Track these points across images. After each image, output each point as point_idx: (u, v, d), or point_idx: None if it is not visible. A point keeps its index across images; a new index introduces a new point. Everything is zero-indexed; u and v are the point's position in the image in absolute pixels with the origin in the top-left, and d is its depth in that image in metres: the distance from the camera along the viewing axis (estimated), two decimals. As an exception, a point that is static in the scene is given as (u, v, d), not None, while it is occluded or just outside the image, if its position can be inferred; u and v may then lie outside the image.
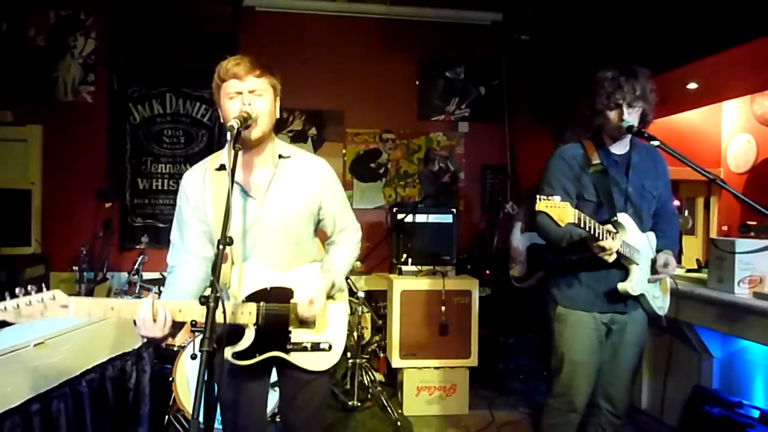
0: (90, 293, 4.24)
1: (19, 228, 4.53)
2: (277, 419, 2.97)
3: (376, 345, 4.31)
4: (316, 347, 1.81)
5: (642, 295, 2.23)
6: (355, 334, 3.87)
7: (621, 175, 2.26)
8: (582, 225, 1.92)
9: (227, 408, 1.89)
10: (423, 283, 3.81)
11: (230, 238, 1.45)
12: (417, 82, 5.30)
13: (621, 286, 2.18)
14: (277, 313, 1.75)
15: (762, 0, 2.83)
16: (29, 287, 1.49)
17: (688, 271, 3.42)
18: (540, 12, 4.93)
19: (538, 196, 1.86)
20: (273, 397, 2.35)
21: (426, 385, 3.78)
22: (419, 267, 3.91)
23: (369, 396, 3.80)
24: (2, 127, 4.70)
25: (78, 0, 4.86)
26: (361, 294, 3.89)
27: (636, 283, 2.18)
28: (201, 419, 1.31)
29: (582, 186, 2.24)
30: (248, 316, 1.71)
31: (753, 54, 3.16)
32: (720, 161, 5.53)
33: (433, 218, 4.04)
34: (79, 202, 4.76)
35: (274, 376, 1.98)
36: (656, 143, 2.02)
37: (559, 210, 1.84)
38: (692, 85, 4.05)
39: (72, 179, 4.79)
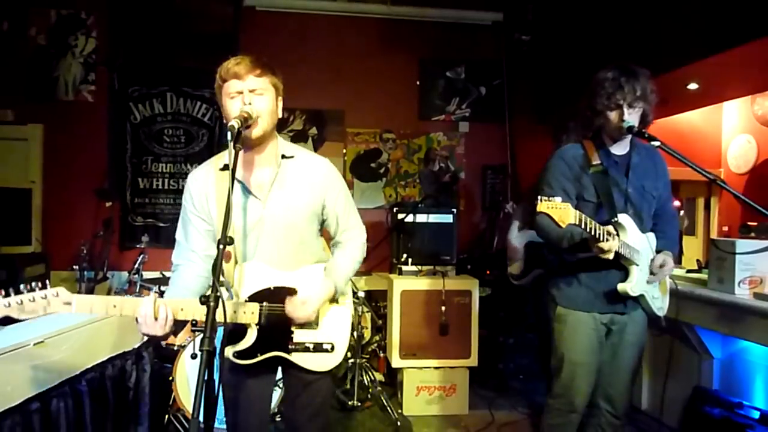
0: (90, 292, 4.25)
1: (19, 227, 4.53)
2: (277, 419, 2.98)
3: (376, 345, 4.31)
4: (318, 348, 1.81)
5: (641, 295, 2.23)
6: (355, 334, 3.87)
7: (621, 176, 2.26)
8: (582, 226, 1.92)
9: (230, 407, 1.89)
10: (423, 283, 3.81)
11: (230, 237, 1.45)
12: (417, 82, 5.30)
13: (621, 286, 2.18)
14: (279, 313, 1.75)
15: (762, 0, 2.83)
16: (33, 284, 1.51)
17: (689, 271, 3.41)
18: (541, 12, 4.93)
19: (539, 197, 1.86)
20: (273, 397, 2.35)
21: (426, 385, 3.78)
22: (419, 267, 3.91)
23: (369, 396, 3.80)
24: (3, 126, 4.71)
25: (79, -1, 4.88)
26: (361, 294, 3.89)
27: (635, 283, 2.18)
28: (201, 419, 1.31)
29: (582, 186, 2.24)
30: (250, 315, 1.71)
31: (753, 54, 3.16)
32: (720, 162, 5.53)
33: (434, 218, 4.04)
34: (80, 201, 4.76)
35: (278, 374, 1.98)
36: (657, 144, 2.02)
37: (560, 211, 1.83)
38: (693, 86, 4.05)
39: (72, 178, 4.80)
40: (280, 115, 1.82)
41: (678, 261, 3.23)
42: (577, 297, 2.28)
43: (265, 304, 1.73)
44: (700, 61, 3.37)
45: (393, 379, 4.11)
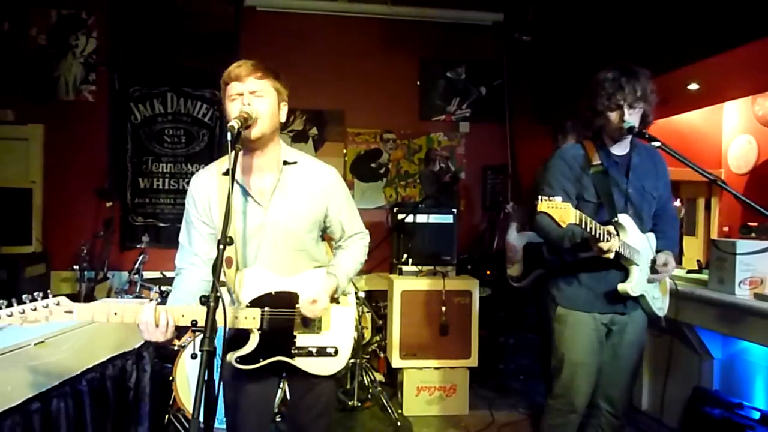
0: (90, 292, 4.25)
1: (20, 227, 4.54)
2: (278, 419, 2.98)
3: (376, 345, 4.31)
4: (321, 352, 1.81)
5: (642, 295, 2.23)
6: (355, 334, 3.86)
7: (621, 176, 2.26)
8: (583, 226, 1.92)
9: (231, 408, 1.89)
10: (423, 284, 3.81)
11: (230, 238, 1.46)
12: (418, 82, 5.30)
13: (621, 287, 2.18)
14: (281, 317, 1.75)
15: (762, 0, 2.83)
16: (35, 294, 1.54)
17: (689, 272, 3.41)
18: (541, 12, 4.93)
19: (539, 197, 1.85)
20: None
21: (426, 385, 3.78)
22: (420, 267, 3.91)
23: (369, 396, 3.80)
24: (3, 126, 4.71)
25: (79, -1, 4.88)
26: (361, 294, 3.90)
27: (636, 283, 2.18)
28: (201, 419, 1.32)
29: (582, 187, 2.24)
30: (252, 320, 1.71)
31: (754, 55, 3.16)
32: (721, 162, 5.53)
33: (434, 218, 4.04)
34: (80, 201, 4.77)
35: None
36: (657, 144, 2.02)
37: (560, 211, 1.83)
38: (693, 86, 4.05)
39: (73, 178, 4.80)
40: (283, 120, 1.82)
41: (678, 261, 3.22)
42: (578, 297, 2.28)
43: (266, 309, 1.74)
44: (700, 61, 3.37)
45: (393, 380, 4.12)
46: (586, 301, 2.27)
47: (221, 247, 1.45)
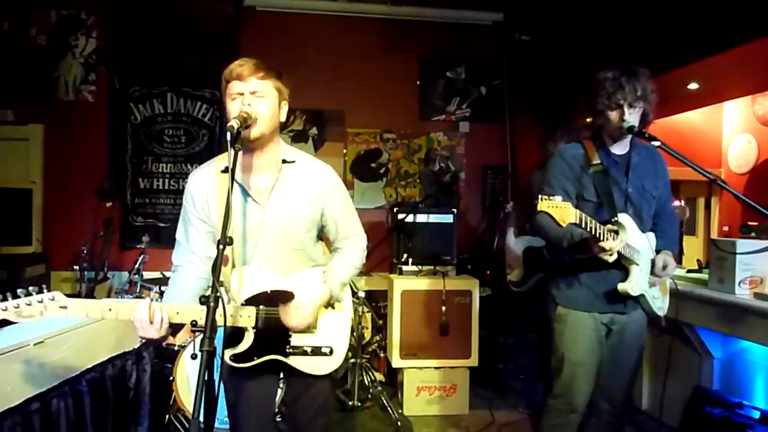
0: (91, 292, 4.25)
1: (20, 227, 4.53)
2: (278, 419, 2.97)
3: (376, 345, 4.31)
4: (316, 351, 1.81)
5: (642, 295, 2.23)
6: (355, 334, 3.87)
7: (621, 176, 2.26)
8: (584, 225, 1.92)
9: (232, 409, 1.89)
10: (423, 283, 3.81)
11: (230, 238, 1.46)
12: (418, 82, 5.30)
13: (621, 286, 2.18)
14: (276, 316, 1.75)
15: (762, 0, 2.83)
16: (30, 288, 1.55)
17: (689, 271, 3.42)
18: (541, 12, 4.93)
19: (539, 196, 1.85)
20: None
21: (426, 385, 3.78)
22: (420, 267, 3.91)
23: (369, 396, 3.80)
24: (3, 127, 4.71)
25: (79, -1, 4.88)
26: (361, 294, 3.90)
27: (636, 283, 2.18)
28: (201, 419, 1.32)
29: (582, 186, 2.24)
30: (247, 319, 1.71)
31: (754, 54, 3.16)
32: (721, 161, 5.52)
33: (434, 218, 4.04)
34: (80, 202, 4.76)
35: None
36: (657, 143, 2.02)
37: (560, 210, 1.83)
38: (693, 86, 4.05)
39: (73, 178, 4.80)
40: (283, 119, 1.82)
41: (678, 261, 3.22)
42: (578, 297, 2.28)
43: (261, 307, 1.74)
44: (700, 61, 3.37)
45: (393, 379, 4.12)
46: (586, 300, 2.27)
47: (221, 247, 1.45)
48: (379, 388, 3.77)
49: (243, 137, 1.64)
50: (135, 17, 4.86)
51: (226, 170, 1.76)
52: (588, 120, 2.31)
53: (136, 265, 3.75)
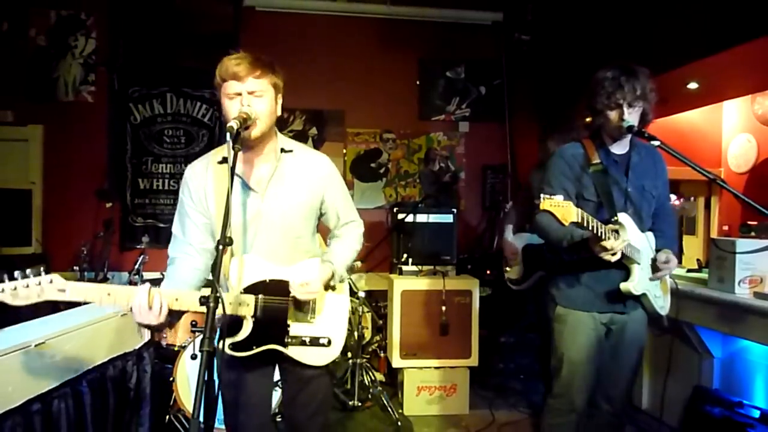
0: (91, 293, 4.24)
1: (19, 228, 4.53)
2: (278, 419, 2.98)
3: (376, 345, 4.31)
4: (315, 342, 1.81)
5: (644, 294, 2.22)
6: (355, 333, 3.87)
7: (621, 175, 2.26)
8: (585, 225, 1.92)
9: (230, 408, 1.89)
10: (423, 283, 3.81)
11: (230, 238, 1.46)
12: (417, 82, 5.30)
13: (623, 285, 2.18)
14: (275, 305, 1.75)
15: (762, 0, 2.83)
16: (27, 271, 1.52)
17: (689, 271, 3.42)
18: (540, 12, 4.93)
19: (541, 195, 1.85)
20: (274, 397, 2.35)
21: (426, 384, 3.78)
22: (420, 267, 3.91)
23: (369, 396, 3.80)
24: (3, 127, 4.71)
25: (78, 0, 4.87)
26: (361, 294, 3.89)
27: (638, 282, 2.18)
28: (201, 419, 1.32)
29: (582, 186, 2.24)
30: (246, 307, 1.71)
31: (753, 53, 3.16)
32: (720, 161, 5.53)
33: (434, 218, 4.04)
34: (80, 202, 4.76)
35: (277, 375, 1.98)
36: (657, 143, 2.02)
37: (562, 209, 1.83)
38: (693, 85, 4.05)
39: (73, 179, 4.80)
40: (279, 113, 1.82)
41: (678, 260, 3.22)
42: (577, 297, 2.28)
43: (261, 296, 1.73)
44: (700, 60, 3.37)
45: (393, 379, 4.12)
46: (585, 300, 2.27)
47: (221, 247, 1.44)
48: (380, 388, 3.77)
49: (243, 137, 1.64)
50: (134, 17, 4.87)
51: (223, 161, 1.76)
52: (587, 119, 2.31)
53: (136, 266, 3.76)
